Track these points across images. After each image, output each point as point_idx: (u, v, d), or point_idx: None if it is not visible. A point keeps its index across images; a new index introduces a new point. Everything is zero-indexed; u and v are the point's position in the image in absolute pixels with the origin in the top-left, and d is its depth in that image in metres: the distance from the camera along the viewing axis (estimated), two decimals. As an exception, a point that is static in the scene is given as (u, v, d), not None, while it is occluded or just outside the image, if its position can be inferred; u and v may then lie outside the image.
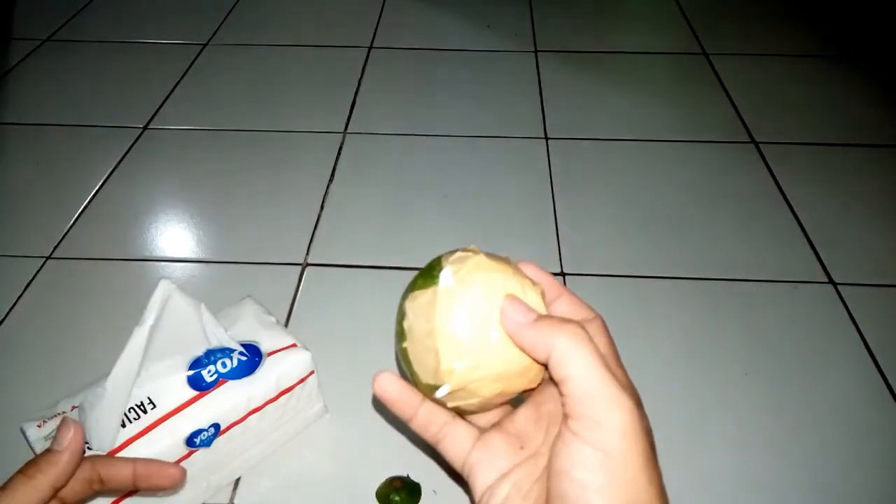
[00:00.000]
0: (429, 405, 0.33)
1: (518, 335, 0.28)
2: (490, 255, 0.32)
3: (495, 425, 0.33)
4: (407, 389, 0.33)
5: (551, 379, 0.29)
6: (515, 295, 0.30)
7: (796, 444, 0.53)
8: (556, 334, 0.27)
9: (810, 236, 0.72)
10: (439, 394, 0.30)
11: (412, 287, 0.32)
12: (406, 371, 0.32)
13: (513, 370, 0.30)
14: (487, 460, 0.31)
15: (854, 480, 0.51)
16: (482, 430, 0.33)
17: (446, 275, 0.31)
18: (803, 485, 0.50)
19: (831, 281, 0.67)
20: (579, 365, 0.26)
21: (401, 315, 0.32)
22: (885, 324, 0.62)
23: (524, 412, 0.33)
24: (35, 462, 0.33)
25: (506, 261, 0.32)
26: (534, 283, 0.32)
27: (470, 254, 0.32)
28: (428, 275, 0.32)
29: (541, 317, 0.28)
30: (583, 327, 0.28)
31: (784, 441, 0.53)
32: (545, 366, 0.28)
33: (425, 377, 0.31)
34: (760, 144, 0.85)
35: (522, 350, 0.29)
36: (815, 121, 0.89)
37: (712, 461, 0.52)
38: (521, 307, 0.29)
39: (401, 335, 0.32)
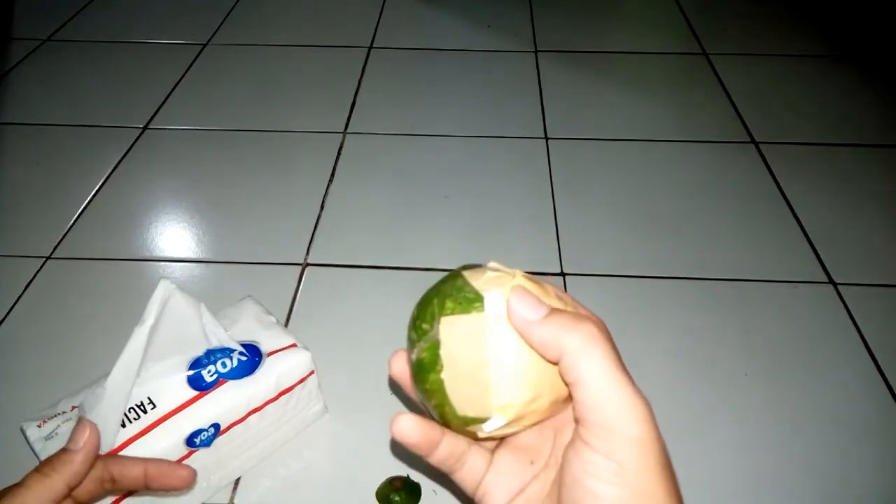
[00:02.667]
0: (449, 438, 0.30)
1: (527, 333, 0.26)
2: (525, 275, 0.29)
3: (502, 442, 0.32)
4: (428, 428, 0.29)
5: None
6: (523, 286, 0.27)
7: (796, 443, 0.53)
8: (567, 333, 0.25)
9: (810, 236, 0.72)
10: (489, 427, 0.28)
11: (441, 308, 0.28)
12: (429, 400, 0.29)
13: (565, 394, 0.28)
14: (500, 483, 0.30)
15: (854, 480, 0.51)
16: (491, 451, 0.31)
17: (495, 300, 0.27)
18: (803, 485, 0.50)
19: (831, 281, 0.67)
20: (592, 368, 0.25)
21: (429, 343, 0.28)
22: (885, 324, 0.62)
23: None
24: (50, 461, 0.33)
25: (534, 279, 0.30)
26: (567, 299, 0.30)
27: (502, 273, 0.29)
28: (461, 297, 0.28)
29: (552, 311, 0.26)
30: (601, 324, 0.26)
31: (784, 441, 0.53)
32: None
33: (465, 410, 0.28)
34: (760, 144, 0.85)
35: (533, 348, 0.27)
36: (815, 121, 0.89)
37: (712, 461, 0.52)
38: (530, 301, 0.26)
39: (431, 364, 0.28)
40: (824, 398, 0.56)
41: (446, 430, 0.30)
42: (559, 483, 0.26)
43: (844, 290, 0.66)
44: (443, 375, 0.28)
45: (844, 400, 0.56)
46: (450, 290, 0.29)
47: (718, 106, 0.92)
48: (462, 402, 0.28)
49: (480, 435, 0.29)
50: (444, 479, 0.50)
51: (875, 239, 0.71)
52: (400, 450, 0.52)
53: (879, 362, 0.59)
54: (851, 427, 0.54)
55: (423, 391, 0.29)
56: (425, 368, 0.28)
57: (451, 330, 0.28)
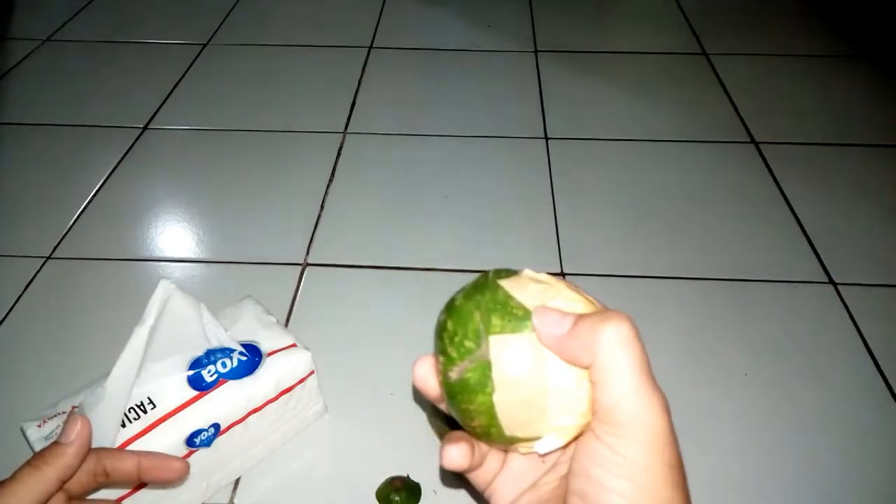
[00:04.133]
0: (479, 448, 0.30)
1: (561, 350, 0.26)
2: (570, 285, 0.28)
3: None
4: (472, 452, 0.29)
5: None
6: (543, 307, 0.26)
7: (796, 443, 0.53)
8: (598, 334, 0.25)
9: (810, 236, 0.72)
10: (542, 448, 0.27)
11: (487, 326, 0.27)
12: (471, 419, 0.28)
13: None
14: (510, 481, 0.30)
15: (854, 480, 0.51)
16: (505, 451, 0.31)
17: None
18: (803, 484, 0.50)
19: (831, 281, 0.67)
20: (616, 371, 0.25)
21: (477, 363, 0.27)
22: (885, 324, 0.62)
23: None
24: (42, 454, 0.33)
25: (579, 288, 0.29)
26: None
27: (546, 285, 0.28)
28: (508, 313, 0.27)
29: (579, 319, 0.26)
30: (629, 321, 0.26)
31: (784, 441, 0.53)
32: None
33: (514, 431, 0.27)
34: (760, 144, 0.85)
35: (568, 362, 0.26)
36: (815, 121, 0.89)
37: (712, 461, 0.52)
38: (554, 317, 0.26)
39: (480, 385, 0.27)
40: (824, 398, 0.56)
41: (479, 444, 0.30)
42: (569, 472, 0.27)
43: (844, 290, 0.66)
44: (494, 398, 0.27)
45: (844, 400, 0.56)
46: (493, 305, 0.27)
47: (718, 106, 0.92)
48: (513, 424, 0.27)
49: (522, 451, 0.28)
50: (444, 478, 0.50)
51: (875, 239, 0.71)
52: (400, 450, 0.52)
53: (879, 362, 0.59)
54: (851, 427, 0.54)
55: (465, 411, 0.28)
56: (471, 389, 0.27)
57: (505, 352, 0.27)
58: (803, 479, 0.51)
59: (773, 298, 0.65)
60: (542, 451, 0.27)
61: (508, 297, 0.27)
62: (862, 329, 0.62)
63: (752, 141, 0.86)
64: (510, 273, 0.29)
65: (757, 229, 0.72)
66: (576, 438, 0.27)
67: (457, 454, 0.28)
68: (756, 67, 1.00)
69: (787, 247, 0.70)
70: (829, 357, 0.60)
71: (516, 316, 0.27)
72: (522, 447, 0.28)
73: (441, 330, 0.29)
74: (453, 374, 0.28)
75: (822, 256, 0.69)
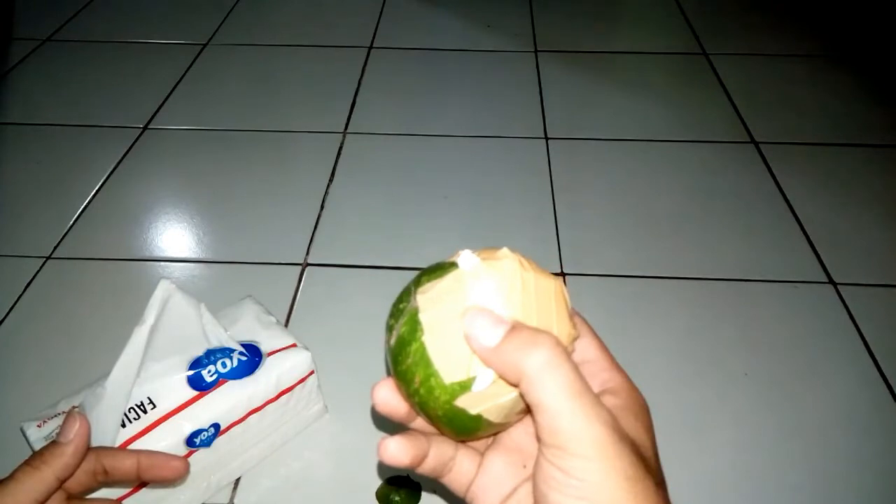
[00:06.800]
0: (436, 447, 0.29)
1: (487, 360, 0.25)
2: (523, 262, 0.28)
3: (494, 443, 0.31)
4: (416, 442, 0.29)
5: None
6: (478, 306, 0.26)
7: (796, 443, 0.53)
8: (525, 357, 0.24)
9: (810, 236, 0.72)
10: (478, 385, 0.26)
11: (416, 285, 0.28)
12: (422, 379, 0.27)
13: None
14: (491, 486, 0.29)
15: (854, 480, 0.51)
16: (482, 453, 0.31)
17: (469, 257, 0.27)
18: (803, 485, 0.50)
19: (831, 281, 0.67)
20: (548, 394, 0.24)
21: (409, 316, 0.27)
22: (885, 324, 0.62)
23: (520, 425, 0.31)
24: (41, 454, 0.33)
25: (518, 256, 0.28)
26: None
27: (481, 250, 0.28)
28: (436, 270, 0.28)
29: (509, 332, 0.25)
30: (558, 342, 0.25)
31: (784, 440, 0.53)
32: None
33: (452, 374, 0.26)
34: (760, 144, 0.85)
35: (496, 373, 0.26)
36: (815, 121, 0.89)
37: (712, 461, 0.52)
38: (486, 322, 0.25)
39: (412, 334, 0.27)
40: (824, 398, 0.56)
41: (433, 438, 0.29)
42: (533, 500, 0.26)
43: (844, 290, 0.66)
44: (424, 339, 0.26)
45: (844, 400, 0.56)
46: (427, 270, 0.28)
47: (718, 106, 0.92)
48: (448, 365, 0.26)
49: (472, 411, 0.27)
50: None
51: (875, 239, 0.71)
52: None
53: (879, 362, 0.59)
54: (851, 427, 0.54)
55: (406, 372, 0.27)
56: (405, 342, 0.27)
57: (429, 294, 0.27)
58: (803, 479, 0.51)
59: (773, 298, 0.65)
60: (477, 389, 0.26)
61: (441, 262, 0.28)
62: (862, 329, 0.62)
63: (752, 141, 0.86)
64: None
65: (757, 229, 0.73)
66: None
67: (393, 447, 0.28)
68: (756, 67, 1.00)
69: (787, 247, 0.70)
70: (829, 357, 0.60)
71: (441, 267, 0.27)
72: (471, 404, 0.27)
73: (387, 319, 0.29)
74: (392, 340, 0.28)
75: (822, 256, 0.69)
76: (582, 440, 0.24)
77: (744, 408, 0.55)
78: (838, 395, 0.56)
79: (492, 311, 0.26)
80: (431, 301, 0.27)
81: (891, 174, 0.80)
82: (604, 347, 0.30)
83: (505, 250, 0.27)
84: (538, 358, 0.24)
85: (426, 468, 0.30)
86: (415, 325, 0.27)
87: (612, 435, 0.24)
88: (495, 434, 0.31)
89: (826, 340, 0.61)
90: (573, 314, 0.29)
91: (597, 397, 0.25)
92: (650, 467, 0.25)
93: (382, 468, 0.50)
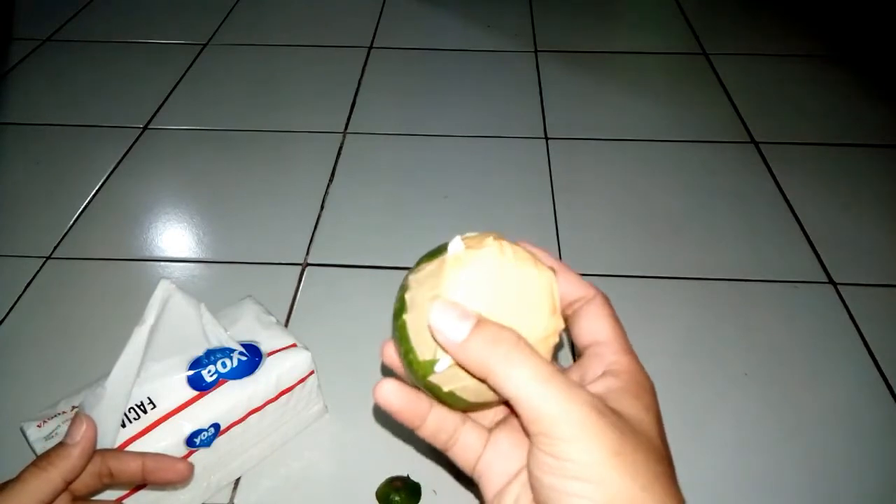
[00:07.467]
0: (438, 411, 0.30)
1: (455, 356, 0.26)
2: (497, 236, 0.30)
3: (501, 423, 0.31)
4: (413, 396, 0.30)
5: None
6: (445, 299, 0.26)
7: (796, 443, 0.53)
8: (488, 355, 0.25)
9: (810, 236, 0.72)
10: (439, 367, 0.27)
11: (415, 265, 0.30)
12: (403, 353, 0.29)
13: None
14: (497, 463, 0.30)
15: (854, 480, 0.51)
16: (490, 430, 0.31)
17: (457, 243, 0.28)
18: (803, 485, 0.50)
19: (831, 281, 0.67)
20: (519, 384, 0.25)
21: (402, 292, 0.29)
22: (885, 324, 0.62)
23: None
24: (47, 455, 0.33)
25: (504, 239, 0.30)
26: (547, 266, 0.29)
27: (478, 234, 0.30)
28: (434, 252, 0.30)
29: (475, 327, 0.25)
30: (519, 337, 0.25)
31: (784, 441, 0.53)
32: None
33: (424, 353, 0.27)
34: (760, 144, 0.85)
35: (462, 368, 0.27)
36: (815, 121, 0.89)
37: (712, 461, 0.52)
38: (450, 316, 0.26)
39: (400, 311, 0.29)
40: (824, 398, 0.56)
41: (434, 404, 0.30)
42: (531, 487, 0.26)
43: (844, 290, 0.66)
44: (405, 316, 0.28)
45: (844, 400, 0.56)
46: (431, 251, 0.30)
47: (718, 106, 0.92)
48: (421, 343, 0.27)
49: (444, 388, 0.28)
50: (444, 479, 0.50)
51: (875, 239, 0.71)
52: (400, 450, 0.52)
53: (879, 362, 0.59)
54: (851, 427, 0.54)
55: (396, 343, 0.29)
56: (396, 315, 0.29)
57: (416, 276, 0.29)
58: (803, 479, 0.51)
59: (773, 298, 0.65)
60: (438, 370, 0.27)
61: (444, 246, 0.29)
62: (862, 329, 0.62)
63: (752, 141, 0.86)
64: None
65: (757, 229, 0.73)
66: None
67: (388, 387, 0.29)
68: (756, 67, 1.00)
69: (787, 247, 0.70)
70: (829, 357, 0.60)
71: (437, 251, 0.29)
72: (445, 384, 0.28)
73: None
74: (393, 315, 0.30)
75: (822, 256, 0.69)
76: (563, 421, 0.24)
77: (744, 408, 0.55)
78: (838, 395, 0.56)
79: (459, 305, 0.26)
80: (417, 282, 0.29)
81: (891, 174, 0.80)
82: (618, 330, 0.30)
83: (490, 238, 0.29)
84: (499, 355, 0.25)
85: (426, 432, 0.31)
86: (402, 303, 0.29)
87: (592, 413, 0.24)
88: (488, 408, 0.32)
89: (826, 340, 0.61)
90: (597, 295, 0.30)
91: (569, 379, 0.25)
92: (650, 445, 0.25)
93: (383, 468, 0.50)
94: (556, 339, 0.29)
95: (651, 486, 0.24)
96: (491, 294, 0.27)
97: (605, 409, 0.25)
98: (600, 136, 0.86)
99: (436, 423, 0.30)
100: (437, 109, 0.91)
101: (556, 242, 0.71)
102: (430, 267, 0.29)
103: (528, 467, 0.26)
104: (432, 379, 0.28)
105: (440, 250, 0.29)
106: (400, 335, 0.28)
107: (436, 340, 0.26)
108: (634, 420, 0.26)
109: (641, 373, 0.29)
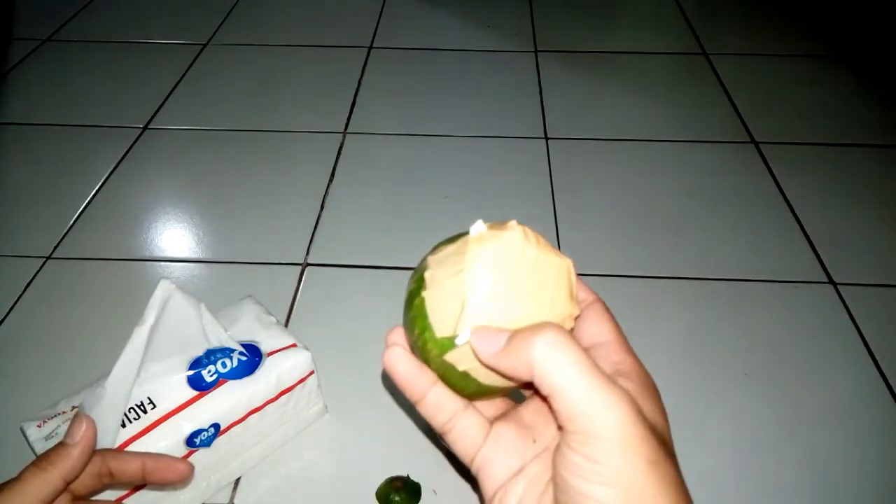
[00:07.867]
0: (439, 389, 0.30)
1: (497, 366, 0.26)
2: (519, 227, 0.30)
3: (504, 416, 0.31)
4: (418, 367, 0.30)
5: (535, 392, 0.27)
6: (481, 326, 0.27)
7: (796, 443, 0.53)
8: (531, 348, 0.24)
9: (810, 236, 0.72)
10: (460, 340, 0.27)
11: (432, 250, 0.30)
12: (419, 333, 0.29)
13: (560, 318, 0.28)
14: (499, 457, 0.29)
15: (854, 480, 0.51)
16: (492, 422, 0.31)
17: (479, 225, 0.28)
18: (803, 484, 0.50)
19: (831, 281, 0.67)
20: (560, 377, 0.24)
21: (419, 273, 0.29)
22: (885, 324, 0.62)
23: (531, 405, 0.31)
24: (47, 455, 0.33)
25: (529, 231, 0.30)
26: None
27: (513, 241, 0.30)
28: (452, 238, 0.30)
29: (513, 335, 0.26)
30: (559, 328, 0.25)
31: (784, 441, 0.53)
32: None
33: (442, 329, 0.28)
34: (760, 144, 0.85)
35: (506, 378, 0.27)
36: (815, 121, 0.89)
37: (712, 461, 0.52)
38: (487, 334, 0.26)
39: (416, 291, 0.29)
40: (824, 398, 0.56)
41: (438, 381, 0.30)
42: (553, 486, 0.26)
43: (844, 290, 0.66)
44: (424, 294, 0.28)
45: (844, 400, 0.56)
46: (447, 239, 0.30)
47: (718, 106, 0.92)
48: (440, 319, 0.28)
49: (460, 367, 0.28)
50: (444, 479, 0.50)
51: (875, 239, 0.71)
52: (400, 450, 0.52)
53: (879, 362, 0.59)
54: (851, 427, 0.54)
55: (410, 324, 0.29)
56: (412, 295, 0.29)
57: (436, 257, 0.29)
58: (803, 479, 0.51)
59: (773, 298, 0.65)
60: (459, 342, 0.27)
61: (464, 233, 0.29)
62: (862, 329, 0.62)
63: (752, 141, 0.86)
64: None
65: (757, 229, 0.73)
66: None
67: (397, 352, 0.30)
68: (756, 67, 1.00)
69: (787, 247, 0.70)
70: (829, 357, 0.60)
71: (457, 235, 0.29)
72: (461, 363, 0.28)
73: None
74: (405, 295, 0.30)
75: (822, 256, 0.69)
76: (603, 422, 0.23)
77: (744, 408, 0.55)
78: (838, 395, 0.56)
79: (492, 327, 0.26)
80: (437, 262, 0.29)
81: (891, 174, 0.80)
82: (619, 332, 0.30)
83: (513, 222, 0.28)
84: (543, 342, 0.24)
85: (426, 409, 0.30)
86: (420, 282, 0.29)
87: (634, 416, 0.24)
88: (493, 397, 0.32)
89: (826, 340, 0.61)
90: (597, 300, 0.31)
91: (611, 377, 0.25)
92: (669, 451, 0.25)
93: (383, 468, 0.50)
94: (572, 324, 0.29)
95: (678, 499, 0.24)
96: (513, 273, 0.27)
97: (642, 414, 0.24)
98: (600, 136, 0.86)
99: (436, 399, 0.30)
100: (437, 109, 0.91)
101: (557, 242, 0.71)
102: (450, 248, 0.29)
103: (555, 467, 0.25)
104: (448, 357, 0.28)
105: (459, 236, 0.30)
106: (416, 314, 0.29)
107: (479, 361, 0.27)
108: (659, 427, 0.26)
109: (647, 374, 0.29)
